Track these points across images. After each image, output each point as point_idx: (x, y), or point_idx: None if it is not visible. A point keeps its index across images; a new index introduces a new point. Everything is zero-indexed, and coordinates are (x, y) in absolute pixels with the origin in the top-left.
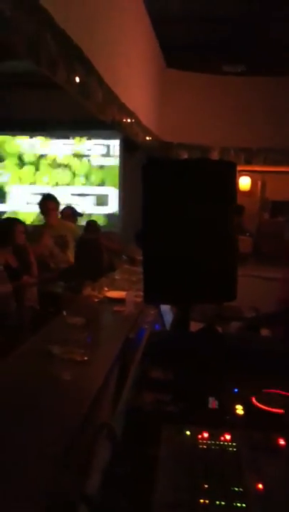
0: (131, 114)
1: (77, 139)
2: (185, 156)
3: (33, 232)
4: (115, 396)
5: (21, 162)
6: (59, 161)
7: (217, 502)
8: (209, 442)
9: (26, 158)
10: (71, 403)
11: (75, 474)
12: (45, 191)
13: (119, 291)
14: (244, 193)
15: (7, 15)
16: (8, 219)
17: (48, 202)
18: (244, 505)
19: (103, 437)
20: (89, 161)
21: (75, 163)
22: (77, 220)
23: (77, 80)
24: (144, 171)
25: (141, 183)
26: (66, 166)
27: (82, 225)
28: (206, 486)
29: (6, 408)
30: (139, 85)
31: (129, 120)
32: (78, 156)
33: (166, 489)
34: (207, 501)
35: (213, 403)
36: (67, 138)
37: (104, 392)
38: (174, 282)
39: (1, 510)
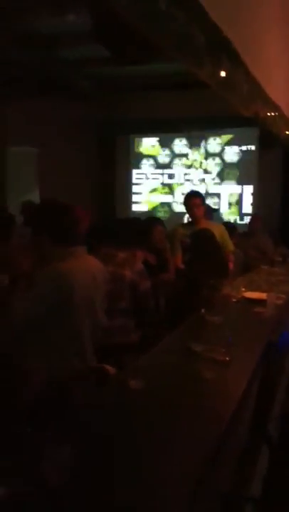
0: (275, 108)
1: (211, 138)
2: None
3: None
4: (265, 400)
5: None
6: (191, 160)
7: None
8: None
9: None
10: (216, 404)
11: (234, 475)
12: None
13: (258, 292)
14: None
15: (162, 9)
16: (149, 219)
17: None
18: None
19: (260, 440)
20: (222, 159)
21: (208, 161)
22: (212, 216)
23: (223, 73)
24: None
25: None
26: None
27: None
28: None
29: (150, 405)
30: (284, 75)
31: (272, 114)
32: (211, 154)
33: None
34: None
35: None
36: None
37: (249, 395)
38: None
39: (152, 505)
